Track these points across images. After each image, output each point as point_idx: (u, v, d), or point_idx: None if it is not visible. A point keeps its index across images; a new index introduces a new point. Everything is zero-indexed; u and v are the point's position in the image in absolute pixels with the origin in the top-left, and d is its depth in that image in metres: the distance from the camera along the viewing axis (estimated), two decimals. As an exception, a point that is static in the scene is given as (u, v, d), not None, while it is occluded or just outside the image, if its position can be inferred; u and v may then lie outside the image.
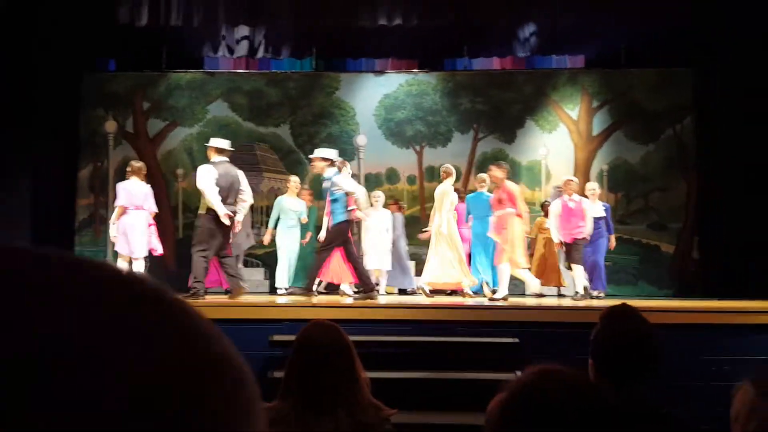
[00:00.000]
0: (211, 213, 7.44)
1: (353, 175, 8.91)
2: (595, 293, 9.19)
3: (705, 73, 11.41)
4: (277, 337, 6.21)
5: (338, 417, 2.33)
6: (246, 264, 11.04)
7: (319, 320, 2.56)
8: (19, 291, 0.34)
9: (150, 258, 9.36)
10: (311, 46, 11.85)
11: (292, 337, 2.57)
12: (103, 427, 0.32)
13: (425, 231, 9.44)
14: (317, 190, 9.74)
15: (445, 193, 8.81)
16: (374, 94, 12.19)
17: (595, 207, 9.35)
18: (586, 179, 10.88)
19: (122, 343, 0.34)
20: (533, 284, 8.89)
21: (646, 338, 2.24)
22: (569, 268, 9.23)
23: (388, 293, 10.16)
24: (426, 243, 10.01)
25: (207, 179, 7.43)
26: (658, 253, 11.72)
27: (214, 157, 7.69)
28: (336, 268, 8.38)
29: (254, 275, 11.32)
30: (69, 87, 11.47)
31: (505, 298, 8.17)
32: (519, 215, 8.38)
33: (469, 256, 9.25)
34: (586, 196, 9.30)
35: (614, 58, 11.65)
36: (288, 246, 9.70)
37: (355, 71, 12.28)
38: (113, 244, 8.75)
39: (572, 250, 8.97)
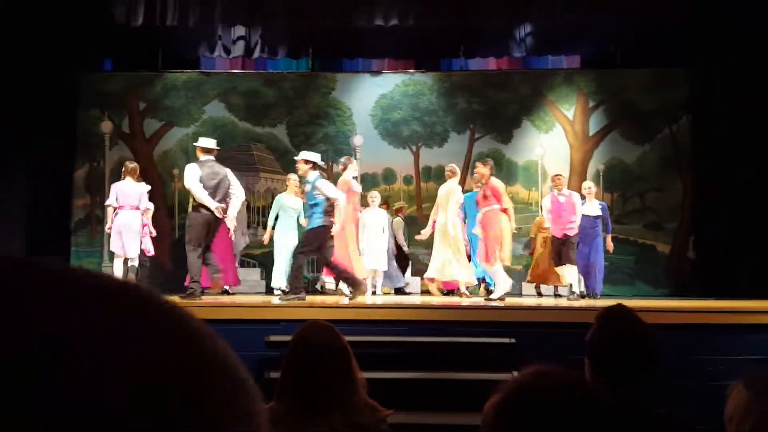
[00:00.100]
0: (201, 209, 7.50)
1: (353, 177, 8.88)
2: (576, 293, 9.03)
3: (700, 73, 11.44)
4: (273, 338, 6.21)
5: (334, 418, 2.33)
6: (242, 264, 11.02)
7: (315, 321, 2.56)
8: (19, 291, 0.34)
9: (145, 258, 9.39)
10: (308, 46, 11.84)
11: (288, 338, 2.57)
12: (103, 427, 0.32)
13: (422, 234, 9.41)
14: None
15: (451, 191, 8.83)
16: (371, 94, 12.19)
17: (591, 206, 9.37)
18: (583, 179, 10.89)
19: (122, 343, 0.34)
20: (505, 284, 8.57)
21: (642, 338, 2.24)
22: (557, 265, 9.17)
23: (385, 293, 10.16)
24: (422, 243, 10.02)
25: (192, 177, 7.50)
26: (654, 252, 11.74)
27: (202, 157, 7.74)
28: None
29: (251, 275, 11.30)
30: (65, 87, 11.45)
31: (501, 298, 8.18)
32: (504, 211, 8.43)
33: (468, 257, 9.26)
34: (583, 196, 9.34)
35: (610, 59, 11.66)
36: (287, 245, 9.67)
37: (352, 71, 12.28)
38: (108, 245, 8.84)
39: (568, 249, 8.97)
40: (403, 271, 10.79)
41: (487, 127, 12.13)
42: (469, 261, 9.17)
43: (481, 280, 9.37)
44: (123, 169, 8.94)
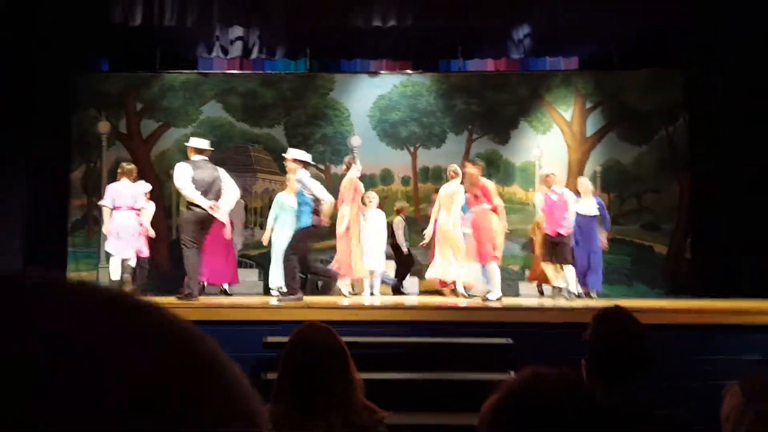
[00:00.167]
0: (193, 208, 7.43)
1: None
2: (564, 292, 9.04)
3: (698, 74, 11.44)
4: (271, 339, 6.20)
5: (332, 419, 2.32)
6: (240, 265, 11.00)
7: (313, 322, 2.56)
8: (19, 292, 0.35)
9: (143, 259, 9.38)
10: (305, 46, 11.82)
11: (286, 339, 2.57)
12: (103, 427, 0.32)
13: (424, 238, 9.37)
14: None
15: (456, 192, 8.84)
16: (368, 95, 12.19)
17: (588, 204, 9.40)
18: (580, 180, 10.90)
19: (122, 344, 0.34)
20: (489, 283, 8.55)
21: (638, 339, 2.25)
22: (548, 262, 9.17)
23: (382, 294, 10.15)
24: (419, 244, 10.01)
25: (182, 177, 7.41)
26: (651, 253, 11.75)
27: (193, 156, 7.69)
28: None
29: (248, 276, 11.28)
30: (62, 87, 11.42)
31: (498, 299, 8.18)
32: (494, 210, 8.46)
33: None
34: (577, 192, 9.39)
35: (607, 60, 11.67)
36: (286, 245, 9.64)
37: (350, 72, 12.27)
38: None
39: (562, 249, 8.98)
40: (407, 272, 10.77)
41: (485, 128, 12.13)
42: None
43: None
44: (119, 170, 8.94)
